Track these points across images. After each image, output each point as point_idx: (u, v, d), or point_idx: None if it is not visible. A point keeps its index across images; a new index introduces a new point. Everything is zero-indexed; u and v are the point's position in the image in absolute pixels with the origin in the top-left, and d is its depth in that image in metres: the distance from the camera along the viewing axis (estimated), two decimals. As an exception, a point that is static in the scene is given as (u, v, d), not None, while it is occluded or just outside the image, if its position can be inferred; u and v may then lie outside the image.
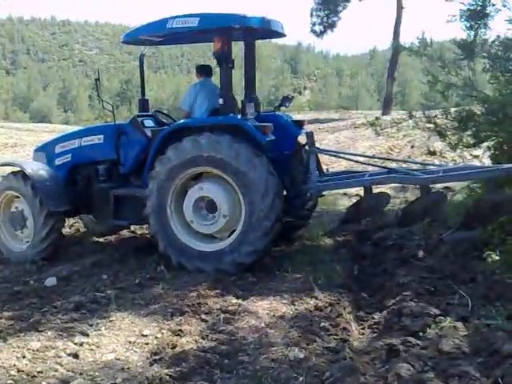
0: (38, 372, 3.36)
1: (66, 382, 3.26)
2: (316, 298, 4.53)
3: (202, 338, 3.83)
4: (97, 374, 3.35)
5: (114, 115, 6.12)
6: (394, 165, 8.48)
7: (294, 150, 6.05)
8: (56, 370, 3.41)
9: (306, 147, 6.05)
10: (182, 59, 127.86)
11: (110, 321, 4.16)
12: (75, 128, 7.24)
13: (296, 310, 4.35)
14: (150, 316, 4.25)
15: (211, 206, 5.42)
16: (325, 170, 6.35)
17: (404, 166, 7.84)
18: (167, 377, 3.26)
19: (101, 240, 6.92)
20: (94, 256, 6.11)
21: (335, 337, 3.85)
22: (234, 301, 4.53)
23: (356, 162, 6.98)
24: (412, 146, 13.53)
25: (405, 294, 4.29)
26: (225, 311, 4.30)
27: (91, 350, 3.68)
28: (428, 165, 6.41)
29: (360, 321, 4.25)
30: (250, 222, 5.25)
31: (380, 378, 3.20)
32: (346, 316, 4.20)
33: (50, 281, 5.21)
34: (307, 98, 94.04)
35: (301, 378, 3.23)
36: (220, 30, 5.56)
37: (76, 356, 3.59)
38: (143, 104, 6.73)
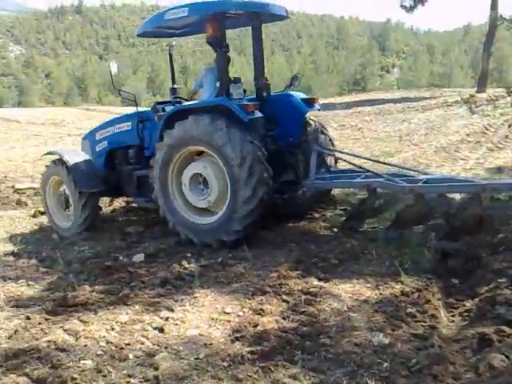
0: (126, 344, 3.49)
1: (151, 355, 3.36)
2: (402, 283, 4.34)
3: (283, 319, 3.80)
4: (181, 348, 3.42)
5: (137, 103, 6.71)
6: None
7: (302, 129, 6.32)
8: (142, 343, 3.53)
9: (313, 128, 6.34)
10: (267, 40, 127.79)
11: (194, 297, 4.24)
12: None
13: (381, 294, 4.20)
14: (231, 294, 4.29)
15: (206, 183, 5.79)
16: (332, 166, 6.47)
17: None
18: (249, 355, 3.26)
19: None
20: (179, 235, 6.26)
21: (423, 323, 3.67)
22: (316, 283, 4.45)
23: (350, 163, 6.40)
24: (510, 125, 12.65)
25: (499, 280, 4.02)
26: (306, 293, 4.24)
27: (176, 324, 3.77)
28: (424, 173, 5.95)
29: (450, 308, 4.01)
30: (234, 189, 5.51)
31: (470, 368, 3.03)
32: (434, 302, 3.99)
33: (138, 257, 5.41)
34: (396, 76, 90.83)
35: (385, 364, 3.11)
36: (211, 16, 5.85)
37: (161, 330, 3.70)
38: (173, 92, 7.07)
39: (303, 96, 6.52)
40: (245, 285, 4.46)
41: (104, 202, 8.21)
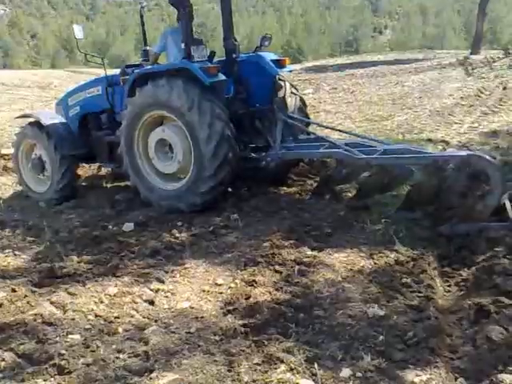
0: (115, 317, 3.40)
1: (141, 328, 3.28)
2: (397, 252, 4.27)
3: (276, 290, 3.72)
4: (171, 321, 3.34)
5: (105, 67, 6.57)
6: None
7: (272, 92, 6.10)
8: (132, 316, 3.44)
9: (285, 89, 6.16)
10: (258, 0, 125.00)
11: (185, 268, 4.15)
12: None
13: (375, 264, 4.12)
14: (223, 265, 4.19)
15: (172, 148, 5.71)
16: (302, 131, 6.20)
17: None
18: (241, 328, 3.19)
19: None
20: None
21: (418, 294, 3.60)
22: (309, 252, 4.36)
23: (314, 134, 6.31)
24: (504, 88, 12.45)
25: (496, 249, 3.95)
26: (299, 263, 4.15)
27: (166, 297, 3.69)
28: (381, 143, 5.73)
29: (446, 277, 3.95)
30: (197, 164, 5.46)
31: (468, 340, 2.99)
32: (430, 272, 3.93)
33: (128, 226, 5.29)
34: (388, 37, 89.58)
35: (381, 337, 3.04)
36: None
37: (152, 303, 3.62)
38: (145, 54, 6.82)
39: (273, 57, 6.31)
40: (237, 255, 4.37)
41: (92, 168, 8.04)
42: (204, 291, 3.76)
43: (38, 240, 5.21)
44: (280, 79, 6.25)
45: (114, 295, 3.70)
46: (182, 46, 5.73)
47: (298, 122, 6.05)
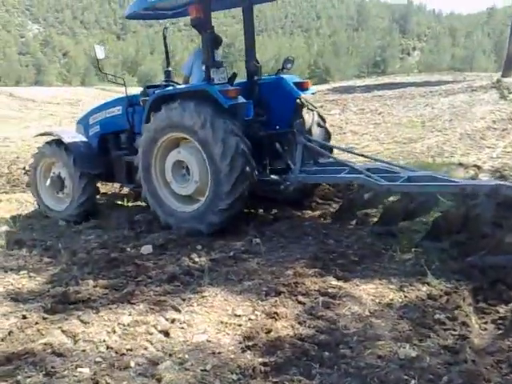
0: (127, 350, 3.21)
1: (154, 363, 3.07)
2: (429, 285, 3.99)
3: (299, 324, 3.49)
4: (186, 356, 3.12)
5: (126, 88, 6.60)
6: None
7: (294, 115, 6.07)
8: (146, 349, 3.24)
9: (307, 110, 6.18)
10: (286, 21, 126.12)
11: (203, 296, 3.94)
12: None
13: (406, 297, 3.86)
14: (243, 294, 3.97)
15: (188, 170, 5.68)
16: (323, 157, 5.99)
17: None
18: (261, 367, 2.96)
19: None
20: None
21: (452, 332, 3.33)
22: (334, 282, 4.11)
23: (334, 158, 6.09)
24: (538, 112, 12.07)
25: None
26: (324, 294, 3.91)
27: (182, 328, 3.47)
28: (406, 169, 5.56)
29: (481, 314, 3.64)
30: (214, 182, 5.38)
31: (508, 386, 2.70)
32: (465, 308, 3.63)
33: (146, 248, 5.12)
34: (416, 59, 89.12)
35: (413, 382, 2.78)
36: None
37: (167, 334, 3.41)
38: (168, 75, 6.78)
39: (296, 79, 6.25)
40: (257, 283, 4.14)
41: (115, 187, 7.96)
42: (222, 323, 3.54)
43: (55, 261, 5.07)
44: (308, 106, 6.23)
45: (128, 324, 3.51)
46: (203, 68, 5.72)
47: (318, 146, 5.88)
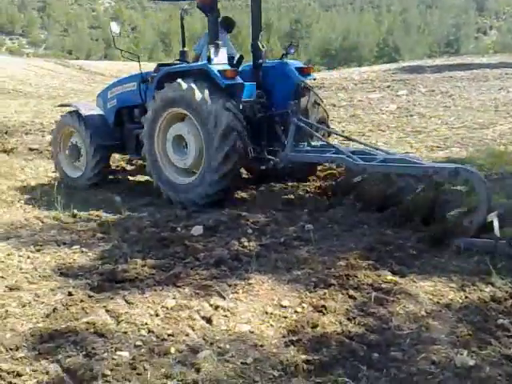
0: (169, 335, 3.13)
1: (194, 351, 2.97)
2: (493, 286, 3.67)
3: (348, 320, 3.29)
4: (227, 347, 3.00)
5: (140, 64, 6.92)
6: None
7: (294, 98, 6.24)
8: (187, 335, 3.15)
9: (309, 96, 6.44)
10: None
11: (249, 283, 3.80)
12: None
13: (466, 298, 3.56)
14: (291, 284, 3.80)
15: (186, 144, 6.07)
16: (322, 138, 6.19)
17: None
18: (304, 364, 2.80)
19: (252, 191, 6.66)
20: (243, 205, 5.86)
21: (516, 341, 3.03)
22: (390, 277, 3.86)
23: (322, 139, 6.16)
24: None
25: None
26: (377, 289, 3.67)
27: (225, 316, 3.36)
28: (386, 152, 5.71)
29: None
30: (208, 155, 5.74)
31: None
32: (531, 314, 3.32)
33: (197, 229, 5.05)
34: (492, 38, 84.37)
35: (469, 394, 2.54)
36: None
37: (209, 321, 3.30)
38: (183, 54, 6.93)
39: (298, 65, 6.57)
40: (307, 273, 3.96)
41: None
42: (266, 313, 3.39)
43: (108, 237, 5.10)
44: (305, 87, 6.45)
45: (171, 308, 3.44)
46: (210, 47, 5.98)
47: (311, 127, 6.09)
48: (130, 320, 3.29)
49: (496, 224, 4.14)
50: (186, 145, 6.04)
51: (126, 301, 3.57)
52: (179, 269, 4.11)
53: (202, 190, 5.81)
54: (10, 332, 3.20)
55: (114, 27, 6.58)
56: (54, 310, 3.43)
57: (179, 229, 5.14)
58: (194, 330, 3.21)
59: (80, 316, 3.36)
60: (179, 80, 5.86)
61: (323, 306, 3.41)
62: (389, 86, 15.76)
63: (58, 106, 8.30)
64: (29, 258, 4.57)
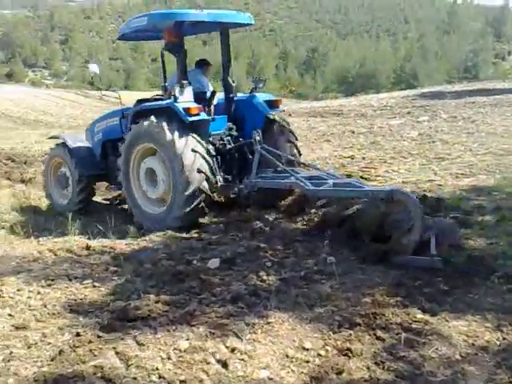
0: (181, 381, 2.89)
1: (208, 400, 2.73)
2: (533, 325, 3.38)
3: (376, 365, 3.02)
4: (244, 395, 2.76)
5: (120, 100, 7.44)
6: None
7: (262, 126, 6.66)
8: (201, 381, 2.91)
9: (277, 126, 6.85)
10: (372, 25, 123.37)
11: (268, 322, 3.55)
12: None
13: (504, 339, 3.27)
14: (313, 323, 3.54)
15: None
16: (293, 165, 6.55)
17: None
18: (328, 419, 2.54)
19: (269, 219, 6.45)
20: (262, 236, 5.64)
21: None
22: (420, 316, 3.58)
23: (278, 165, 6.31)
24: None
25: None
26: (407, 329, 3.40)
27: (242, 360, 3.10)
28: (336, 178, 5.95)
29: None
30: (174, 191, 6.14)
31: None
32: None
33: (213, 262, 4.83)
34: (511, 63, 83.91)
35: None
36: (167, 25, 6.40)
37: (225, 365, 3.06)
38: (165, 89, 7.06)
39: (267, 98, 7.02)
40: (330, 310, 3.69)
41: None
42: (287, 357, 3.14)
43: (120, 271, 4.91)
44: (280, 124, 6.85)
45: (185, 350, 3.20)
46: (175, 86, 6.27)
47: (273, 155, 6.27)
48: (141, 364, 3.06)
49: (433, 242, 4.35)
50: (157, 177, 6.42)
51: (137, 342, 3.34)
52: (194, 306, 3.88)
53: (168, 223, 6.17)
54: (12, 377, 3.00)
55: (94, 68, 7.16)
56: (61, 352, 3.21)
57: (195, 261, 4.93)
58: (208, 376, 2.97)
59: (88, 359, 3.14)
60: (152, 117, 6.21)
61: (348, 349, 3.14)
62: (409, 113, 15.56)
63: (48, 138, 8.93)
64: (39, 293, 4.38)
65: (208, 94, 7.05)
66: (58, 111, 27.89)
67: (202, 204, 6.13)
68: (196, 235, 5.93)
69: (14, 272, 4.96)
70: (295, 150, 6.98)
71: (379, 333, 3.35)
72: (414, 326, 3.44)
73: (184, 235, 5.96)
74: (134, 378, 2.93)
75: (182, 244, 5.57)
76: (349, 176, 7.75)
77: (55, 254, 5.56)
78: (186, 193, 5.96)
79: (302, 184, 5.62)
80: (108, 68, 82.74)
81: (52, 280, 4.69)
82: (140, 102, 7.09)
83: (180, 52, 6.51)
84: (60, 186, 8.04)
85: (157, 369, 3.00)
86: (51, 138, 8.87)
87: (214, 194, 6.51)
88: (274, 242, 5.37)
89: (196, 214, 6.20)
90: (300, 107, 22.86)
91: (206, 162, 6.11)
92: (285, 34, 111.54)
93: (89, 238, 6.01)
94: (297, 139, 7.09)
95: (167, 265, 4.90)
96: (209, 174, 6.12)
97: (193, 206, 6.02)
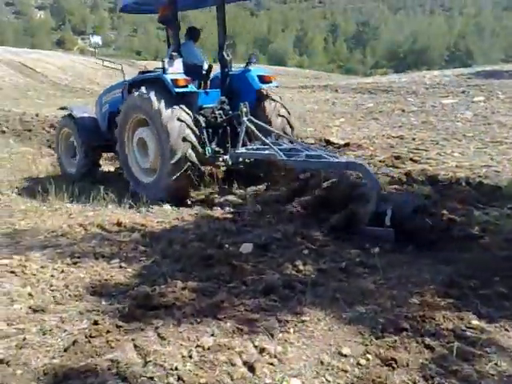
0: (201, 385, 2.59)
1: (229, 410, 2.42)
2: None
3: (425, 379, 2.63)
4: (270, 409, 2.43)
5: (123, 73, 7.50)
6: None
7: (255, 100, 6.96)
8: (223, 386, 2.60)
9: (269, 101, 7.05)
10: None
11: (302, 321, 3.20)
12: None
13: None
14: (353, 324, 3.16)
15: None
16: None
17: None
18: None
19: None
20: (300, 220, 5.25)
21: None
22: (475, 321, 3.15)
23: (260, 139, 6.39)
24: None
25: None
26: (460, 337, 2.98)
27: (271, 364, 2.76)
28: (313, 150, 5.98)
29: None
30: (162, 161, 6.33)
31: None
32: None
33: (246, 247, 4.50)
34: None
35: None
36: None
37: (252, 369, 2.73)
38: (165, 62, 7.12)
39: (260, 73, 7.16)
40: (373, 310, 3.30)
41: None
42: (322, 363, 2.78)
43: (150, 250, 4.66)
44: (271, 98, 7.02)
45: (209, 348, 2.90)
46: (168, 58, 6.41)
47: (260, 127, 6.36)
48: (159, 361, 2.78)
49: (389, 214, 4.50)
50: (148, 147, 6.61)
51: (158, 334, 3.06)
52: (223, 295, 3.57)
53: (157, 191, 6.36)
54: (21, 367, 2.77)
55: (95, 40, 7.44)
56: (75, 342, 2.96)
57: (227, 245, 4.61)
58: (232, 380, 2.66)
59: (103, 351, 2.88)
60: (143, 88, 6.38)
61: (393, 359, 2.76)
62: (463, 92, 14.70)
63: (58, 109, 9.28)
64: (62, 271, 4.19)
65: (204, 67, 7.30)
66: (104, 80, 27.95)
67: (190, 173, 6.23)
68: (230, 216, 5.60)
69: (40, 247, 4.80)
70: (287, 125, 7.09)
71: (428, 340, 2.94)
72: (468, 333, 3.02)
73: (217, 215, 5.65)
74: (151, 378, 2.65)
75: (214, 225, 5.26)
76: (397, 158, 7.26)
77: (85, 229, 5.37)
78: (172, 161, 6.10)
79: (276, 154, 5.73)
80: (155, 38, 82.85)
81: (78, 258, 4.49)
82: (142, 73, 7.20)
83: (174, 24, 6.66)
84: (69, 154, 8.36)
85: (176, 368, 2.71)
86: (61, 108, 9.40)
87: (203, 168, 6.55)
88: (313, 228, 4.98)
89: (183, 183, 6.29)
90: (347, 83, 22.08)
91: (193, 132, 6.23)
92: (334, 5, 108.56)
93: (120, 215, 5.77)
94: (289, 113, 7.20)
95: (197, 247, 4.60)
96: (195, 143, 6.23)
97: (178, 174, 6.15)
